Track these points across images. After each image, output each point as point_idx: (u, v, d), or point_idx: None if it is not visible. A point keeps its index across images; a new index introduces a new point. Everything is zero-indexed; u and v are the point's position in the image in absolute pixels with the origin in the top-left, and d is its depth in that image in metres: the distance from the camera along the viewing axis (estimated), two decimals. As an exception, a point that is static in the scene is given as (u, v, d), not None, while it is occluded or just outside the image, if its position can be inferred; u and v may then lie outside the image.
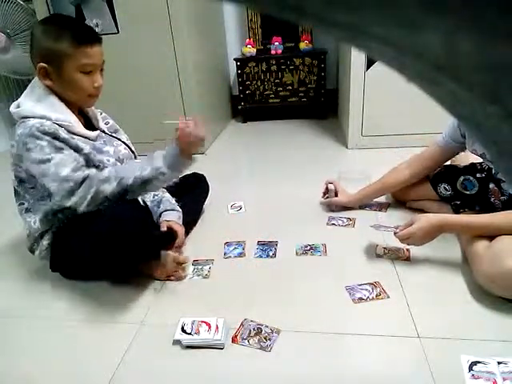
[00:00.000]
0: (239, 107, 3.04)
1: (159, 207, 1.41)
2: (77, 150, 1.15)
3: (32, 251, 1.31)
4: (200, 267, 1.33)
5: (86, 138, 1.20)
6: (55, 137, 1.11)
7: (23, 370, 1.01)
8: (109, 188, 1.10)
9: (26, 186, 1.23)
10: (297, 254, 1.37)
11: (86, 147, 1.17)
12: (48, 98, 1.16)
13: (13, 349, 1.08)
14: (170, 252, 1.29)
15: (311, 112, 3.01)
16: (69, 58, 1.11)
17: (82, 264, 1.23)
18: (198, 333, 1.03)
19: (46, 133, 1.10)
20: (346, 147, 2.38)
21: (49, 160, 1.09)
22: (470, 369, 0.89)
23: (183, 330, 1.04)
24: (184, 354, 1.01)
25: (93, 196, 1.09)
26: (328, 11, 0.18)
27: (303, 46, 2.81)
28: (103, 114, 1.37)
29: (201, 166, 2.33)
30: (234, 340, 1.02)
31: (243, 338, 1.02)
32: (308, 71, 2.86)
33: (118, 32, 2.22)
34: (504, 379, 0.85)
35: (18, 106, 1.18)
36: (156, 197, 1.44)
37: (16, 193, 1.27)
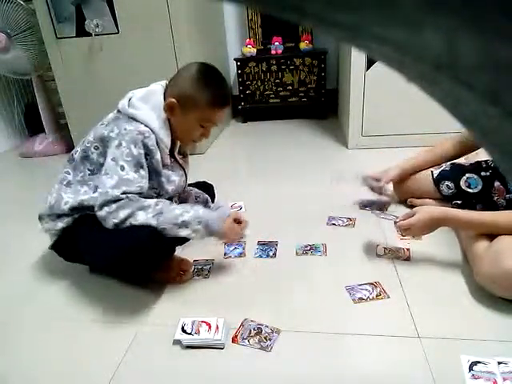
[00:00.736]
0: (239, 107, 3.04)
1: (206, 207, 1.43)
2: (158, 174, 1.20)
3: (40, 219, 1.28)
4: (200, 267, 1.33)
5: (163, 162, 1.22)
6: (151, 153, 1.15)
7: (23, 370, 1.01)
8: (141, 218, 1.09)
9: (87, 165, 1.21)
10: (297, 253, 1.37)
11: (164, 175, 1.22)
12: (165, 121, 1.19)
13: (13, 349, 1.08)
14: (175, 255, 1.29)
15: (311, 112, 3.01)
16: (199, 110, 1.16)
17: (91, 265, 1.23)
18: (198, 333, 1.03)
19: (147, 146, 1.14)
20: (346, 147, 2.38)
21: (122, 168, 1.11)
22: (470, 369, 0.89)
23: (183, 330, 1.04)
24: (184, 353, 1.01)
25: (125, 217, 1.08)
26: (328, 11, 0.18)
27: (303, 46, 2.81)
28: None
29: (201, 165, 2.34)
30: (234, 340, 1.02)
31: (243, 338, 1.02)
32: (308, 71, 2.86)
33: (118, 32, 2.22)
34: (504, 379, 0.85)
35: (130, 105, 1.19)
36: (199, 199, 1.48)
37: (70, 161, 1.24)
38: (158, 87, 1.22)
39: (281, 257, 1.37)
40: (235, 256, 1.39)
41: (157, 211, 1.11)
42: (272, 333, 1.03)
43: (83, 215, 1.20)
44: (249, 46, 2.86)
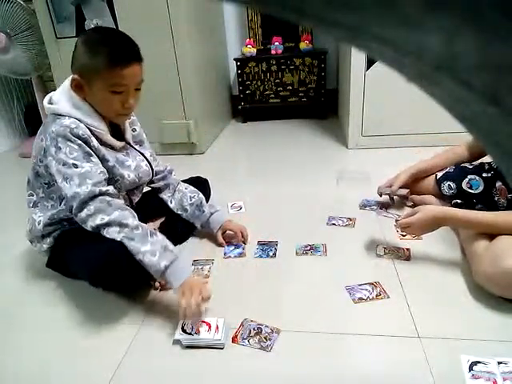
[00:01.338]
0: (239, 107, 3.04)
1: (201, 210, 1.43)
2: (103, 160, 1.15)
3: (31, 242, 1.31)
4: (200, 267, 1.33)
5: (111, 147, 1.20)
6: (87, 142, 1.11)
7: (23, 371, 1.01)
8: (113, 232, 1.06)
9: (41, 181, 1.21)
10: (297, 253, 1.37)
11: (112, 159, 1.18)
12: (83, 105, 1.14)
13: (13, 349, 1.08)
14: None
15: (311, 112, 3.01)
16: (100, 76, 1.08)
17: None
18: (198, 333, 1.03)
19: (79, 137, 1.10)
20: (346, 147, 2.38)
21: (75, 166, 1.09)
22: (470, 369, 0.89)
23: (183, 330, 1.04)
24: (184, 353, 1.00)
25: (101, 224, 1.06)
26: (328, 11, 0.18)
27: (303, 45, 2.81)
28: (132, 118, 1.35)
29: (200, 165, 2.34)
30: (234, 340, 1.02)
31: (243, 338, 1.02)
32: (308, 71, 2.86)
33: (118, 32, 2.22)
34: (504, 379, 0.85)
35: (51, 102, 1.17)
36: (193, 199, 1.44)
37: (28, 183, 1.25)
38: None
39: (281, 257, 1.36)
40: (235, 256, 1.39)
41: (129, 235, 1.05)
42: (272, 333, 1.03)
43: (61, 233, 1.23)
44: (249, 45, 2.86)
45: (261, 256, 1.37)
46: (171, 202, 1.45)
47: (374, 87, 2.17)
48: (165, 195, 1.45)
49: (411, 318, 1.05)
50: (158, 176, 1.44)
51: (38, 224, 1.23)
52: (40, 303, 1.24)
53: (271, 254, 1.38)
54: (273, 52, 2.84)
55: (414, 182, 1.57)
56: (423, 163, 1.57)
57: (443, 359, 0.92)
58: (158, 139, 2.44)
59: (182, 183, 1.49)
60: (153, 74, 2.31)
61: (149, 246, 1.05)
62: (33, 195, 1.25)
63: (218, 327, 1.03)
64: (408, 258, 1.29)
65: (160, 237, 1.10)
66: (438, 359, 0.92)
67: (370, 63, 2.12)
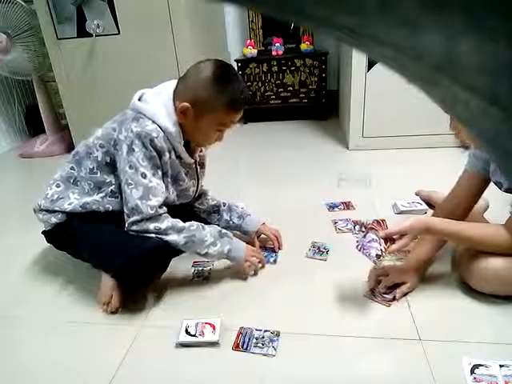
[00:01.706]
0: (240, 108, 3.04)
1: (230, 214, 1.43)
2: (164, 175, 1.16)
3: (36, 210, 1.26)
4: (200, 269, 1.33)
5: (181, 159, 1.20)
6: (160, 156, 1.12)
7: (23, 371, 1.00)
8: (172, 237, 1.12)
9: (88, 163, 1.18)
10: (298, 256, 1.36)
11: (170, 176, 1.19)
12: (177, 124, 1.13)
13: (13, 349, 1.07)
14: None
15: (312, 113, 3.01)
16: (214, 114, 1.11)
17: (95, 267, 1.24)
18: (202, 335, 1.03)
19: (155, 148, 1.10)
20: (347, 148, 2.38)
21: (143, 176, 1.09)
22: (472, 372, 0.88)
23: (187, 332, 1.03)
24: (185, 356, 1.00)
25: (156, 231, 1.11)
26: (328, 13, 0.18)
27: (304, 47, 2.81)
28: None
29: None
30: (235, 348, 1.01)
31: (244, 344, 1.02)
32: (309, 72, 2.86)
33: (119, 33, 2.22)
34: (506, 382, 0.85)
35: (141, 99, 1.16)
36: (238, 212, 1.44)
37: (75, 156, 1.22)
38: (170, 85, 1.17)
39: (281, 259, 1.36)
40: (270, 263, 1.36)
41: (190, 234, 1.14)
42: (272, 335, 1.03)
43: (80, 213, 1.20)
44: (249, 47, 2.87)
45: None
46: (206, 203, 1.45)
47: (375, 88, 2.17)
48: (213, 219, 1.45)
49: (412, 320, 1.05)
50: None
51: (69, 204, 1.19)
52: (40, 304, 1.24)
53: (272, 260, 1.36)
54: (273, 53, 2.84)
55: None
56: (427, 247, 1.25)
57: (444, 362, 0.92)
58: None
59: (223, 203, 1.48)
60: (153, 75, 2.32)
61: (208, 237, 1.16)
62: (74, 169, 1.22)
63: (214, 327, 1.04)
64: (399, 253, 1.28)
65: (209, 226, 1.21)
66: (440, 362, 0.92)
67: (370, 64, 2.12)
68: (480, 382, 0.86)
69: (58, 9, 2.24)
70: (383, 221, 1.07)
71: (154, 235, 1.11)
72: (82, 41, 2.26)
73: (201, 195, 1.44)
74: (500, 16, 0.15)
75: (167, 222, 1.12)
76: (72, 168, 1.22)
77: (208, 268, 1.33)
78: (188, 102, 1.09)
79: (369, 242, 1.07)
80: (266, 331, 1.04)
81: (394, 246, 1.05)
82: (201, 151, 1.34)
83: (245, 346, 1.00)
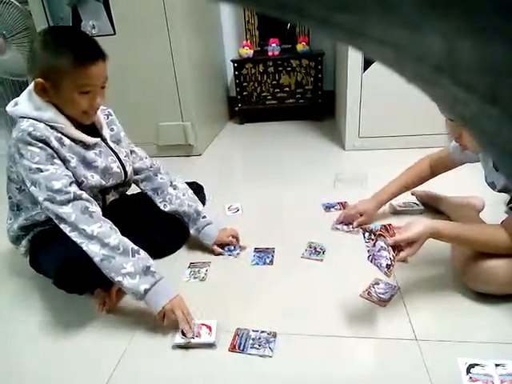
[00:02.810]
0: (236, 109, 3.04)
1: (188, 224, 1.40)
2: (64, 161, 1.11)
3: (14, 244, 1.30)
4: (197, 270, 1.33)
5: (82, 142, 1.16)
6: (46, 143, 1.07)
7: (19, 374, 1.00)
8: (94, 248, 1.03)
9: (14, 186, 1.20)
10: (295, 256, 1.36)
11: (73, 161, 1.13)
12: (46, 106, 1.10)
13: (7, 353, 1.07)
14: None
15: (308, 113, 3.02)
16: (66, 77, 1.04)
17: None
18: (198, 336, 1.02)
19: (37, 139, 1.06)
20: (343, 148, 2.38)
21: (40, 170, 1.06)
22: (468, 371, 0.88)
23: (183, 334, 1.03)
24: (182, 357, 1.00)
25: (79, 232, 1.05)
26: (327, 12, 0.18)
27: (300, 47, 2.81)
28: (111, 118, 1.32)
29: (198, 167, 2.34)
30: (231, 349, 1.01)
31: (241, 348, 1.01)
32: (305, 73, 2.87)
33: (115, 33, 2.21)
34: (502, 382, 0.85)
35: (16, 105, 1.15)
36: (190, 208, 1.40)
37: (7, 187, 1.24)
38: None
39: (278, 260, 1.36)
40: (234, 256, 1.38)
41: (110, 254, 1.03)
42: (269, 337, 1.03)
43: (35, 235, 1.22)
44: (246, 47, 2.86)
45: (257, 263, 1.35)
46: (165, 207, 1.39)
47: (371, 89, 2.17)
48: (157, 200, 1.40)
49: (408, 320, 1.05)
50: (141, 176, 1.40)
51: (15, 225, 1.23)
52: (34, 308, 1.23)
53: (268, 261, 1.36)
54: (270, 53, 2.84)
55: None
56: (382, 194, 1.52)
57: (440, 362, 0.92)
58: (155, 141, 2.44)
59: (178, 186, 1.43)
60: (149, 75, 2.32)
61: (129, 266, 1.03)
62: (12, 197, 1.24)
63: (211, 329, 1.04)
64: (405, 260, 1.29)
65: (143, 255, 1.07)
66: (436, 362, 0.92)
67: (366, 65, 2.12)
68: (476, 382, 0.86)
69: (53, 9, 2.23)
70: (389, 225, 1.07)
71: (81, 240, 1.04)
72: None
73: (157, 189, 1.40)
74: (501, 16, 0.15)
75: (95, 226, 1.05)
76: (9, 197, 1.24)
77: (204, 269, 1.33)
78: (39, 77, 1.06)
79: (378, 250, 1.06)
80: (262, 332, 1.04)
81: (402, 254, 1.04)
82: (112, 130, 1.30)
83: (241, 347, 1.00)
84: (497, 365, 0.89)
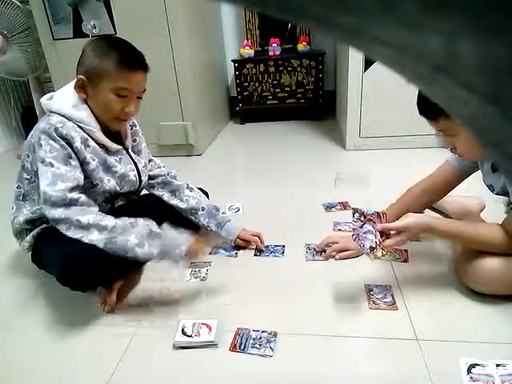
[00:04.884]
0: (237, 108, 3.04)
1: (218, 210, 1.41)
2: (83, 163, 1.13)
3: (17, 238, 1.31)
4: (198, 269, 1.33)
5: (105, 147, 1.18)
6: (69, 143, 1.10)
7: (18, 374, 1.00)
8: (93, 236, 1.05)
9: (25, 175, 1.21)
10: (295, 256, 1.36)
11: (93, 163, 1.15)
12: (81, 105, 1.14)
13: (6, 352, 1.07)
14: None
15: (309, 113, 3.02)
16: (107, 77, 1.09)
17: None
18: (198, 335, 1.02)
19: (62, 136, 1.09)
20: (344, 148, 2.38)
21: (51, 165, 1.08)
22: (469, 371, 0.88)
23: (184, 333, 1.03)
24: (182, 357, 1.00)
25: (75, 226, 1.06)
26: (328, 12, 0.18)
27: (301, 47, 2.81)
28: (135, 129, 1.35)
29: (199, 167, 2.34)
30: (232, 348, 1.01)
31: (241, 348, 1.01)
32: (306, 72, 2.87)
33: (116, 33, 2.22)
34: (503, 382, 0.85)
35: (51, 98, 1.17)
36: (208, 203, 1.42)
37: (18, 176, 1.25)
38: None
39: (278, 260, 1.36)
40: (233, 257, 1.38)
41: (111, 235, 1.05)
42: (270, 336, 1.03)
43: (41, 232, 1.22)
44: (246, 47, 2.86)
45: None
46: (183, 204, 1.40)
47: (372, 88, 2.17)
48: (174, 201, 1.41)
49: (409, 320, 1.05)
50: (159, 180, 1.42)
51: (22, 217, 1.23)
52: (34, 306, 1.23)
53: (279, 254, 1.38)
54: (270, 53, 2.85)
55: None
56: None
57: (441, 362, 0.92)
58: (156, 141, 2.44)
59: (194, 188, 1.45)
60: (150, 75, 2.31)
61: (133, 238, 1.06)
62: (20, 187, 1.25)
63: (211, 328, 1.04)
64: (406, 260, 1.29)
65: (141, 221, 1.10)
66: (437, 362, 0.92)
67: (367, 64, 2.12)
68: (477, 382, 0.86)
69: (54, 9, 2.23)
70: (384, 214, 1.07)
71: (77, 235, 1.05)
72: (79, 41, 2.25)
73: (175, 191, 1.42)
74: (501, 15, 0.15)
75: (89, 216, 1.07)
76: (18, 187, 1.25)
77: (205, 269, 1.33)
78: (82, 74, 1.11)
79: (365, 232, 1.06)
80: (263, 332, 1.04)
81: (388, 241, 1.06)
82: (134, 141, 1.33)
83: (242, 347, 1.00)
84: (497, 365, 0.89)
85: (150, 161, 1.41)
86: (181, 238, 1.11)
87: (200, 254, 1.18)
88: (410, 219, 1.05)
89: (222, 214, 1.44)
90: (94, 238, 1.05)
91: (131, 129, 1.33)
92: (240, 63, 2.88)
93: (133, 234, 1.06)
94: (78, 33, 2.24)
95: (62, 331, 1.12)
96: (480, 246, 1.08)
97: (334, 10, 0.18)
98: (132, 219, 1.10)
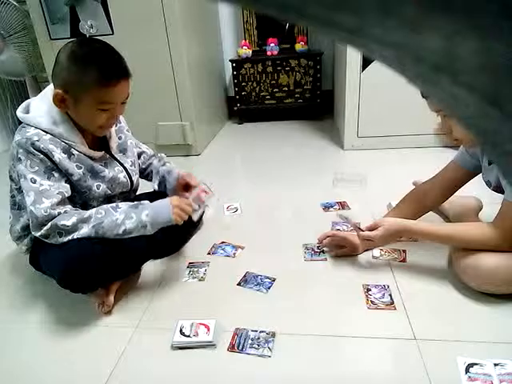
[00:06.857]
0: (235, 108, 3.04)
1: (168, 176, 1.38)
2: (67, 174, 1.10)
3: (16, 243, 1.31)
4: (196, 269, 1.33)
5: (88, 156, 1.16)
6: (48, 156, 1.06)
7: (16, 374, 1.00)
8: (82, 230, 1.06)
9: (14, 185, 1.21)
10: (293, 256, 1.36)
11: (79, 171, 1.13)
12: (61, 117, 1.10)
13: (6, 352, 1.06)
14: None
15: (307, 113, 3.02)
16: (89, 93, 1.03)
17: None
18: (196, 335, 1.02)
19: (40, 150, 1.05)
20: (342, 148, 2.38)
21: (33, 181, 1.06)
22: (467, 371, 0.88)
23: (182, 333, 1.03)
24: (181, 357, 1.00)
25: (64, 231, 1.06)
26: (328, 13, 0.18)
27: (299, 47, 2.81)
28: (119, 126, 1.31)
29: (196, 166, 2.34)
30: (230, 349, 1.01)
31: (239, 345, 1.01)
32: (304, 72, 2.86)
33: (113, 33, 2.21)
34: (501, 381, 0.85)
35: (27, 112, 1.13)
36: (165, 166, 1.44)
37: (10, 186, 1.24)
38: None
39: (277, 260, 1.36)
40: (230, 257, 1.38)
41: (97, 221, 1.07)
42: (268, 336, 1.03)
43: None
44: (244, 47, 2.86)
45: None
46: (154, 183, 1.43)
47: (370, 88, 2.17)
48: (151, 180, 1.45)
49: (407, 319, 1.05)
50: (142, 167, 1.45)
51: (19, 226, 1.23)
52: (33, 307, 1.23)
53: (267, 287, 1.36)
54: (268, 53, 2.84)
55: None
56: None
57: (440, 361, 0.92)
58: (154, 140, 2.43)
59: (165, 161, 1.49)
60: (148, 75, 2.31)
61: (119, 215, 1.08)
62: (14, 196, 1.24)
63: (209, 328, 1.03)
64: (404, 260, 1.29)
65: (122, 203, 1.13)
66: (435, 361, 0.92)
67: (365, 64, 2.12)
68: (475, 381, 0.86)
69: (51, 9, 2.22)
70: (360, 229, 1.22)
71: (69, 237, 1.06)
72: (76, 41, 2.25)
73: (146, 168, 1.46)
74: (501, 16, 0.15)
75: (72, 217, 1.06)
76: (12, 196, 1.24)
77: (203, 269, 1.33)
78: (60, 88, 1.05)
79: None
80: (261, 332, 1.04)
81: (363, 233, 1.19)
82: (120, 139, 1.30)
83: (240, 347, 1.00)
84: (496, 364, 0.89)
85: (141, 154, 1.42)
86: (164, 202, 1.12)
87: (188, 203, 1.15)
88: (385, 225, 1.16)
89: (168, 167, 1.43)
90: (84, 231, 1.06)
91: (115, 126, 1.29)
92: (238, 63, 2.88)
93: (117, 213, 1.09)
94: (75, 33, 2.23)
95: (61, 332, 1.12)
96: (465, 245, 1.10)
97: (333, 10, 0.17)
98: (113, 204, 1.13)
